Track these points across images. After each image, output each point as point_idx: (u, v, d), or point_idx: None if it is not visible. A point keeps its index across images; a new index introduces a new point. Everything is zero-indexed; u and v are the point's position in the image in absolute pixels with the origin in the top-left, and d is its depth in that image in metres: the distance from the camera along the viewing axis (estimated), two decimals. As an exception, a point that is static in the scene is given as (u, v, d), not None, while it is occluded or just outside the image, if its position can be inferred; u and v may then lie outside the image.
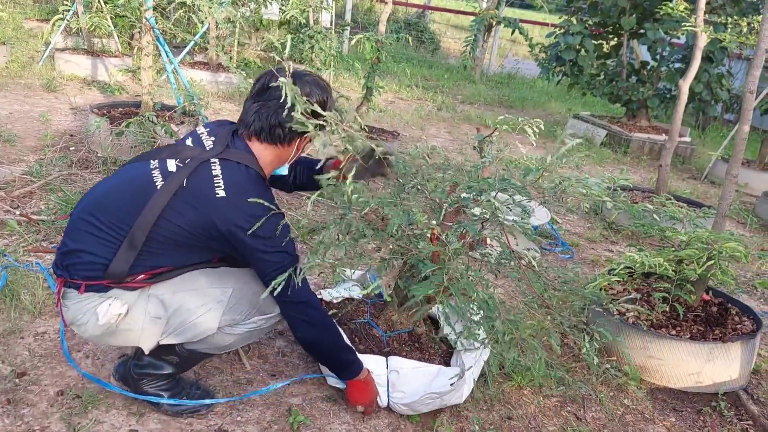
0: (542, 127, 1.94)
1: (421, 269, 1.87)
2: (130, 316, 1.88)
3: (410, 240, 2.04)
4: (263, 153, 1.96)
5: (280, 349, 2.47)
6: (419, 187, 2.00)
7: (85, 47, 6.81)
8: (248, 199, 1.80)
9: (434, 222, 1.90)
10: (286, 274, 1.84)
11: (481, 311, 1.88)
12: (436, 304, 2.23)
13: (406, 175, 2.06)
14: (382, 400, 2.17)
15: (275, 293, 1.82)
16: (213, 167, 1.84)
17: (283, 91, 1.68)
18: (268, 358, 2.41)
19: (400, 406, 2.14)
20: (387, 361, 2.14)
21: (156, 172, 1.85)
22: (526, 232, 1.98)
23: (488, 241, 2.04)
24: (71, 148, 4.34)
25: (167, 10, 7.02)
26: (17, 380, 2.10)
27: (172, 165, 1.86)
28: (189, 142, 1.95)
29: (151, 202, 1.80)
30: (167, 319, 1.91)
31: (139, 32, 6.27)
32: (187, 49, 6.74)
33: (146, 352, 1.95)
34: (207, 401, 2.09)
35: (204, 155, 1.86)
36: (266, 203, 1.81)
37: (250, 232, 1.79)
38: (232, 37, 7.37)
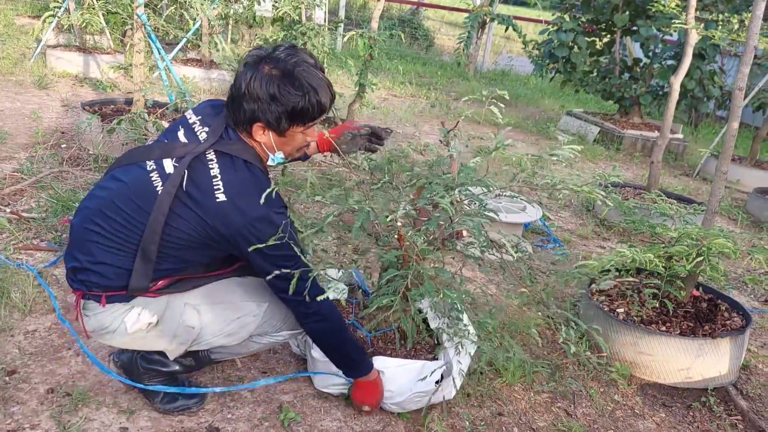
0: (506, 97, 1.92)
1: (383, 275, 1.89)
2: (163, 324, 1.89)
3: (378, 240, 2.06)
4: (258, 141, 1.86)
5: (272, 346, 2.47)
6: (389, 185, 2.00)
7: (77, 44, 6.78)
8: (250, 201, 1.75)
9: (399, 223, 1.90)
10: (295, 279, 1.80)
11: (454, 310, 1.89)
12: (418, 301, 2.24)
13: (375, 173, 2.06)
14: None
15: (289, 292, 1.81)
16: (210, 165, 1.77)
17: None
18: (260, 356, 2.41)
19: (390, 405, 2.14)
20: (372, 361, 2.14)
21: (155, 175, 1.79)
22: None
23: (464, 233, 2.04)
24: (62, 146, 4.32)
25: (159, 6, 7.00)
26: (7, 378, 2.09)
27: (168, 165, 1.78)
28: (181, 135, 1.85)
29: (155, 211, 1.75)
30: (201, 329, 1.92)
31: (130, 29, 6.24)
32: (179, 46, 6.71)
33: (171, 358, 1.96)
34: (203, 390, 2.09)
35: (199, 149, 1.79)
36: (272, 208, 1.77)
37: (254, 248, 1.75)
38: (225, 34, 7.34)
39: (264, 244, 1.75)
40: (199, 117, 1.89)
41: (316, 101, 1.79)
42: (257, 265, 1.83)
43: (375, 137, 2.21)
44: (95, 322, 1.87)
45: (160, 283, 1.86)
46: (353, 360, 2.04)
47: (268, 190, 1.75)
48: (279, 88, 1.74)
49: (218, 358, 2.17)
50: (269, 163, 1.91)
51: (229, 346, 2.05)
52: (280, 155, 1.90)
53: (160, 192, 1.76)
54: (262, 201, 1.74)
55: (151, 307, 1.86)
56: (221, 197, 1.75)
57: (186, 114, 1.92)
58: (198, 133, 1.84)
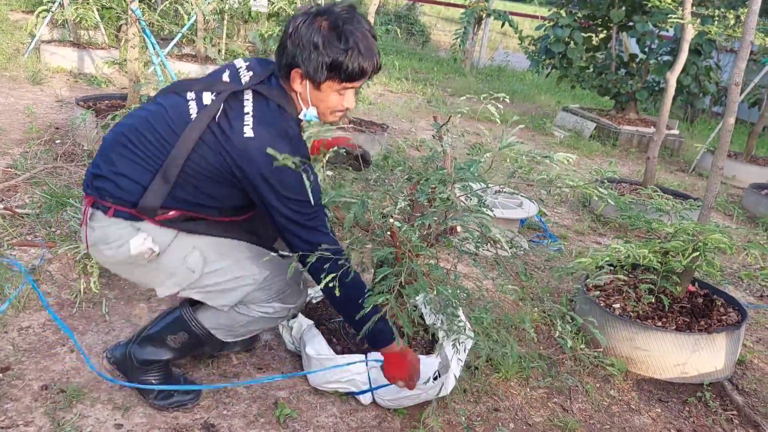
0: (507, 100, 1.93)
1: (377, 272, 1.89)
2: (167, 258, 1.87)
3: (374, 235, 2.05)
4: (296, 91, 1.85)
5: (267, 342, 2.46)
6: (384, 181, 2.00)
7: (71, 39, 6.74)
8: (276, 143, 1.71)
9: (391, 219, 1.90)
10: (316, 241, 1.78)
11: (450, 306, 1.88)
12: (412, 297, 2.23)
13: (372, 170, 2.07)
14: (365, 398, 2.16)
15: (305, 244, 1.79)
16: (245, 103, 1.79)
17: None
18: (255, 352, 2.40)
19: (385, 401, 2.14)
20: (366, 358, 2.13)
21: (192, 104, 1.81)
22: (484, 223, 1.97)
23: (458, 229, 2.03)
24: (56, 141, 4.30)
25: (153, 1, 6.96)
26: (0, 375, 2.08)
27: (207, 98, 1.81)
28: (226, 76, 1.87)
29: (184, 135, 1.77)
30: (200, 275, 1.90)
31: (125, 24, 6.20)
32: (174, 41, 6.68)
33: (159, 296, 1.93)
34: (198, 386, 2.09)
35: (238, 87, 1.81)
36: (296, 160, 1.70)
37: (275, 189, 1.74)
38: (220, 29, 7.31)
39: (287, 203, 1.75)
40: (247, 64, 1.90)
41: (358, 64, 1.76)
42: (275, 211, 1.79)
43: (363, 160, 2.24)
44: (99, 235, 1.85)
45: (171, 213, 1.84)
46: (372, 329, 1.91)
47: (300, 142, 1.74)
48: (324, 38, 1.73)
49: (204, 336, 2.05)
50: (301, 116, 1.89)
51: (218, 316, 1.99)
52: (313, 111, 1.88)
53: (193, 119, 1.78)
54: (287, 147, 1.71)
55: (158, 237, 1.84)
56: (249, 133, 1.75)
57: (235, 61, 1.93)
58: (242, 77, 1.86)
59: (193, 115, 1.79)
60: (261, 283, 1.96)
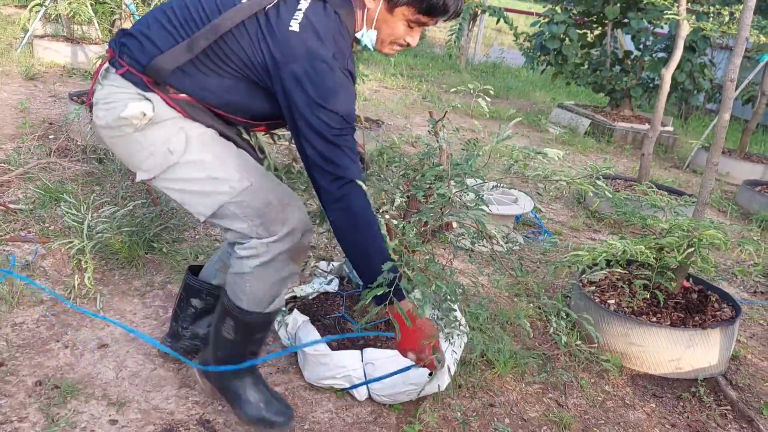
0: (492, 92, 1.92)
1: None
2: (153, 132, 1.73)
3: None
4: (365, 7, 1.74)
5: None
6: (379, 177, 1.99)
7: (65, 34, 6.69)
8: (321, 43, 1.61)
9: (387, 215, 1.90)
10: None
11: (447, 301, 1.88)
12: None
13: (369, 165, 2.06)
14: (361, 393, 2.16)
15: (321, 156, 1.62)
16: (302, 1, 1.68)
17: None
18: (250, 347, 2.40)
19: (381, 396, 2.14)
20: (362, 354, 2.13)
21: None
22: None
23: (454, 225, 2.03)
24: (50, 137, 4.27)
25: (148, -4, 6.91)
26: (-6, 371, 2.07)
27: None
28: None
29: (227, 14, 1.65)
30: (177, 161, 1.74)
31: (119, 19, 6.17)
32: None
33: (137, 179, 1.79)
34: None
35: None
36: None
37: (307, 91, 1.59)
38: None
39: (314, 108, 1.60)
40: None
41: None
42: (300, 117, 1.62)
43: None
44: (105, 93, 1.75)
45: (181, 96, 1.73)
46: (377, 274, 1.71)
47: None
48: None
49: (262, 336, 1.97)
50: (358, 35, 1.78)
51: (231, 286, 1.84)
52: (372, 36, 1.76)
53: (243, 2, 1.68)
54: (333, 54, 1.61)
55: (158, 109, 1.72)
56: (295, 27, 1.63)
57: None
58: None
59: (244, 0, 1.68)
60: (239, 194, 1.74)
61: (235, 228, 1.77)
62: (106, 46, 1.84)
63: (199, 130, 1.77)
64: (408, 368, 1.99)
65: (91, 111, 1.82)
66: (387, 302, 1.71)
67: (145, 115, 1.70)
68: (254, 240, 1.76)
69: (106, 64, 1.77)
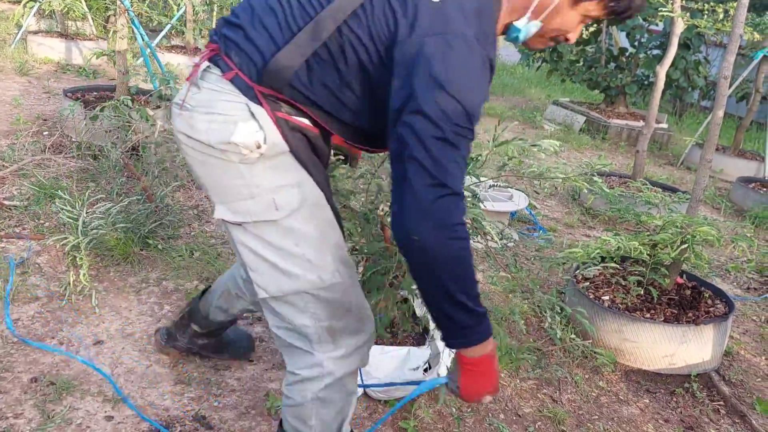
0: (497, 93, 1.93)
1: (368, 266, 1.89)
2: (260, 170, 1.40)
3: (364, 228, 2.05)
4: None
5: (258, 335, 2.46)
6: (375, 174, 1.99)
7: (59, 30, 6.67)
8: (465, 20, 1.30)
9: (382, 212, 1.90)
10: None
11: None
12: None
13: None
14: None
15: (424, 169, 1.23)
16: None
17: None
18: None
19: (376, 392, 2.15)
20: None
21: None
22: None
23: None
24: (44, 133, 4.26)
25: (143, -8, 6.88)
26: (-11, 367, 2.07)
27: None
28: None
29: None
30: (275, 221, 1.42)
31: (113, 15, 6.15)
32: (163, 33, 6.63)
33: (215, 215, 1.46)
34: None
35: None
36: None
37: (434, 68, 1.24)
38: (209, 20, 7.26)
39: (435, 103, 1.24)
40: None
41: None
42: (413, 101, 1.25)
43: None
44: (205, 98, 1.40)
45: (288, 115, 1.40)
46: (470, 313, 1.33)
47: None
48: None
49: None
50: (519, 24, 1.44)
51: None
52: (535, 25, 1.44)
53: None
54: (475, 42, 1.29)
55: (270, 137, 1.38)
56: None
57: None
58: None
59: None
60: (325, 288, 1.46)
61: (297, 323, 1.48)
62: (210, 35, 1.50)
63: (315, 192, 1.45)
64: (415, 382, 1.90)
65: (179, 111, 1.46)
66: (468, 343, 1.36)
67: (259, 147, 1.38)
68: (319, 355, 1.49)
69: (206, 62, 1.43)
